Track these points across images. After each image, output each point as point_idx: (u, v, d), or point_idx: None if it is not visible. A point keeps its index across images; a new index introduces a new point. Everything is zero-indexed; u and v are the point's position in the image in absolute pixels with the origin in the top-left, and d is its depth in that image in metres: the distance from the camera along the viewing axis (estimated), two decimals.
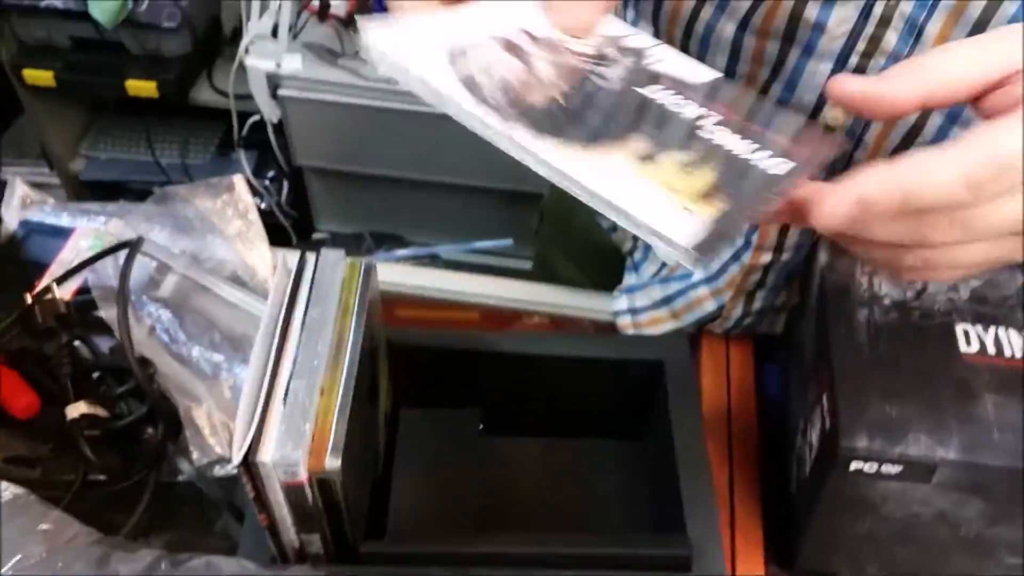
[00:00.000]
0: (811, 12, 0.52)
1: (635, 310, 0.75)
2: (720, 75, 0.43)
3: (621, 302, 0.77)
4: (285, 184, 1.76)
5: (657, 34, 0.62)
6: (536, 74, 0.38)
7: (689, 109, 0.39)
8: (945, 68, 0.37)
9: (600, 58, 0.41)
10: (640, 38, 0.44)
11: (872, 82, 0.37)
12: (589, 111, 0.38)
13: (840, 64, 0.53)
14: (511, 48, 0.39)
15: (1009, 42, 0.37)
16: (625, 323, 0.76)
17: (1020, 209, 0.35)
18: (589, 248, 0.83)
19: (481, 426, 0.61)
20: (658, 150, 0.36)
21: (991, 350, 0.52)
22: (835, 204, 0.35)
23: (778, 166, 0.36)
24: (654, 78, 0.41)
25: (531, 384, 0.60)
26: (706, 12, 0.57)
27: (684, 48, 0.60)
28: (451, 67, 0.37)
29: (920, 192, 0.34)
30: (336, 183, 1.72)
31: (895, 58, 0.51)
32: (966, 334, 0.53)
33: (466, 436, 0.60)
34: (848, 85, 0.38)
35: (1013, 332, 0.53)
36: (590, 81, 0.39)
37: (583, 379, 0.60)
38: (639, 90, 0.40)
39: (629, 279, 0.78)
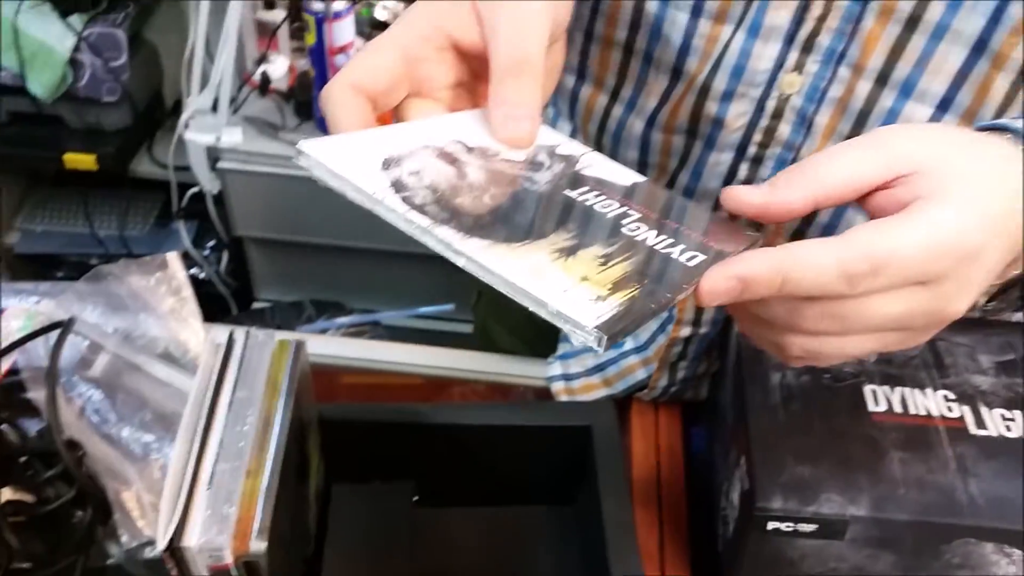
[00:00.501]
0: (711, 109, 0.56)
1: (569, 376, 0.77)
2: (642, 178, 0.45)
3: (555, 368, 0.78)
4: (225, 254, 1.76)
5: (574, 130, 0.66)
6: (467, 179, 0.40)
7: (612, 208, 0.41)
8: (832, 172, 0.39)
9: (532, 164, 0.43)
10: (571, 146, 0.46)
11: (764, 192, 0.39)
12: (517, 212, 0.39)
13: (739, 154, 0.56)
14: (444, 156, 0.41)
15: (892, 145, 0.39)
16: (559, 389, 0.78)
17: (897, 307, 0.36)
18: (526, 320, 0.85)
19: (415, 498, 0.61)
20: (579, 245, 0.38)
21: (897, 409, 0.55)
22: (716, 279, 0.37)
23: (692, 259, 0.38)
24: (581, 181, 0.43)
25: (463, 454, 0.61)
26: (616, 110, 0.61)
27: (598, 142, 0.64)
28: (383, 172, 0.39)
29: (798, 278, 0.36)
30: (276, 252, 1.72)
31: (789, 146, 0.55)
32: (874, 394, 0.56)
33: (400, 509, 0.60)
34: (742, 196, 0.39)
35: (918, 391, 0.56)
36: (519, 185, 0.41)
37: (514, 447, 0.62)
38: (567, 192, 0.42)
39: (563, 347, 0.80)
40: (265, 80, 1.59)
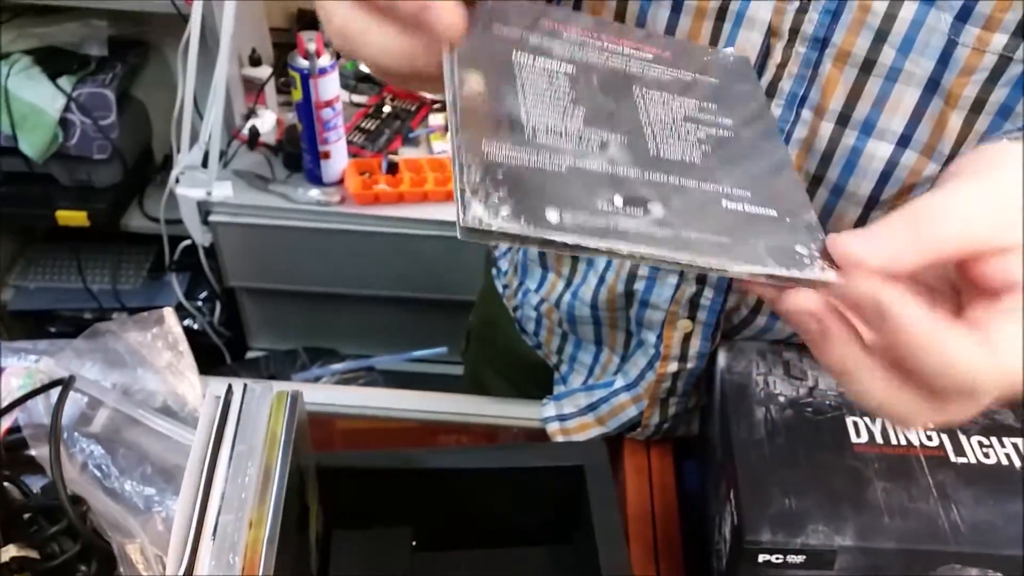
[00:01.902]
0: None
1: (563, 417, 0.79)
2: None
3: (549, 409, 0.80)
4: (218, 304, 1.77)
5: None
6: None
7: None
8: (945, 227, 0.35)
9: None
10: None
11: (867, 247, 0.35)
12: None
13: None
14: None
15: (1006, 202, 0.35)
16: (554, 429, 0.79)
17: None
18: (517, 364, 0.86)
19: (413, 543, 0.62)
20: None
21: (879, 439, 0.57)
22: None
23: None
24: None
25: (460, 498, 0.62)
26: None
27: None
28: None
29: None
30: (269, 301, 1.74)
31: None
32: (856, 425, 0.58)
33: (399, 554, 0.61)
34: (840, 246, 0.36)
35: None
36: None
37: (509, 489, 0.63)
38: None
39: (557, 388, 0.82)
40: (254, 134, 1.62)
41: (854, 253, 0.35)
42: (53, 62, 1.62)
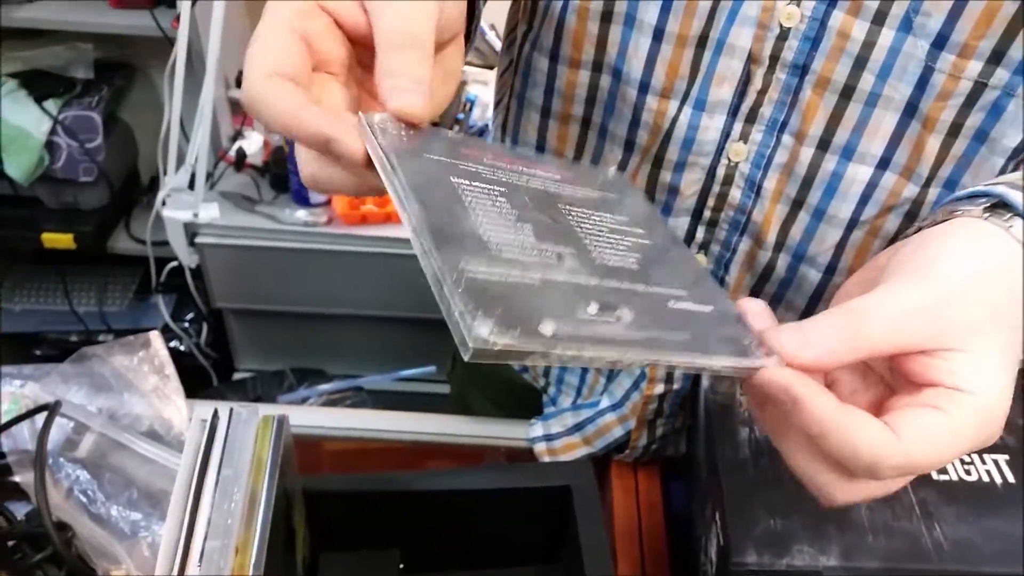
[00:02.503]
0: (665, 178, 0.59)
1: (550, 437, 0.79)
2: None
3: (536, 429, 0.80)
4: (204, 326, 1.77)
5: None
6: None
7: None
8: (876, 332, 0.37)
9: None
10: None
11: (797, 342, 0.37)
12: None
13: (695, 218, 0.60)
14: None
15: (944, 316, 0.37)
16: (541, 450, 0.79)
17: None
18: (503, 387, 0.87)
19: (401, 565, 0.62)
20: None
21: None
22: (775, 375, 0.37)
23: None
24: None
25: (447, 519, 0.62)
26: None
27: None
28: None
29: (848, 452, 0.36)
30: (256, 322, 1.74)
31: (741, 210, 0.58)
32: None
33: None
34: (772, 341, 0.38)
35: None
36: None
37: (496, 510, 0.63)
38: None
39: (547, 409, 0.82)
40: (240, 156, 1.62)
41: (788, 351, 0.37)
42: (39, 85, 1.62)
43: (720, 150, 0.56)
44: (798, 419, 0.36)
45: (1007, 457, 0.58)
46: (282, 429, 0.52)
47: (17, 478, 0.66)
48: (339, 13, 0.40)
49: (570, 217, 0.42)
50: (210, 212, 1.51)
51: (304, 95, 0.38)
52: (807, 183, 0.55)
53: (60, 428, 0.70)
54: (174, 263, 1.62)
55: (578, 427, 0.77)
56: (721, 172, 0.57)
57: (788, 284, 0.61)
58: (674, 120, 0.56)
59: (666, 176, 0.59)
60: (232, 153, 1.63)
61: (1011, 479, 0.56)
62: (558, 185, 0.44)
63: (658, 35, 0.54)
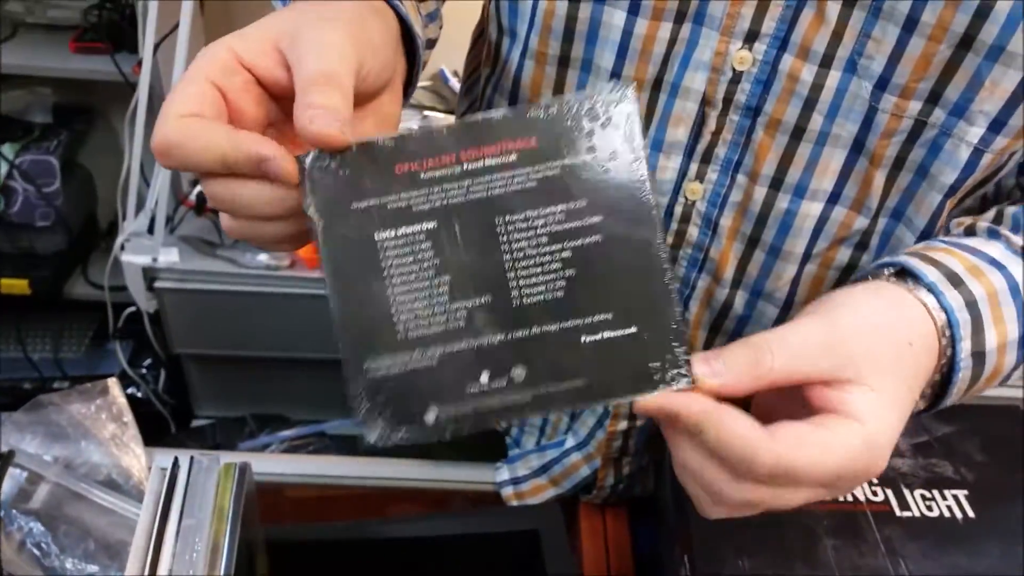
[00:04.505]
0: None
1: (517, 480, 0.78)
2: None
3: (503, 473, 0.80)
4: (162, 372, 1.74)
5: None
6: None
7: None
8: (782, 364, 0.41)
9: None
10: None
11: (708, 371, 0.41)
12: None
13: None
14: None
15: (846, 351, 0.42)
16: (508, 494, 0.79)
17: (810, 496, 0.42)
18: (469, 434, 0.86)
19: None
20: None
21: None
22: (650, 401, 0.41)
23: None
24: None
25: (415, 567, 0.62)
26: None
27: None
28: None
29: (726, 444, 0.39)
30: (215, 368, 1.71)
31: (698, 247, 0.59)
32: None
33: None
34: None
35: None
36: None
37: (464, 556, 0.62)
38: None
39: (511, 451, 0.82)
40: (201, 200, 1.61)
41: (698, 376, 0.40)
42: None
43: (677, 189, 0.57)
44: (681, 423, 0.40)
45: (966, 492, 0.59)
46: (244, 477, 0.51)
47: None
48: (259, 70, 0.40)
49: (504, 235, 0.41)
50: (170, 256, 1.49)
51: (224, 124, 0.38)
52: (761, 221, 0.57)
53: (13, 479, 0.68)
54: (132, 308, 1.60)
55: (544, 468, 0.76)
56: (679, 210, 0.58)
57: (746, 320, 0.61)
58: None
59: None
60: (192, 197, 1.62)
61: (971, 514, 0.57)
62: (509, 177, 0.41)
63: (615, 78, 0.55)
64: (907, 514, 0.56)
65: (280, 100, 0.42)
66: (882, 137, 0.52)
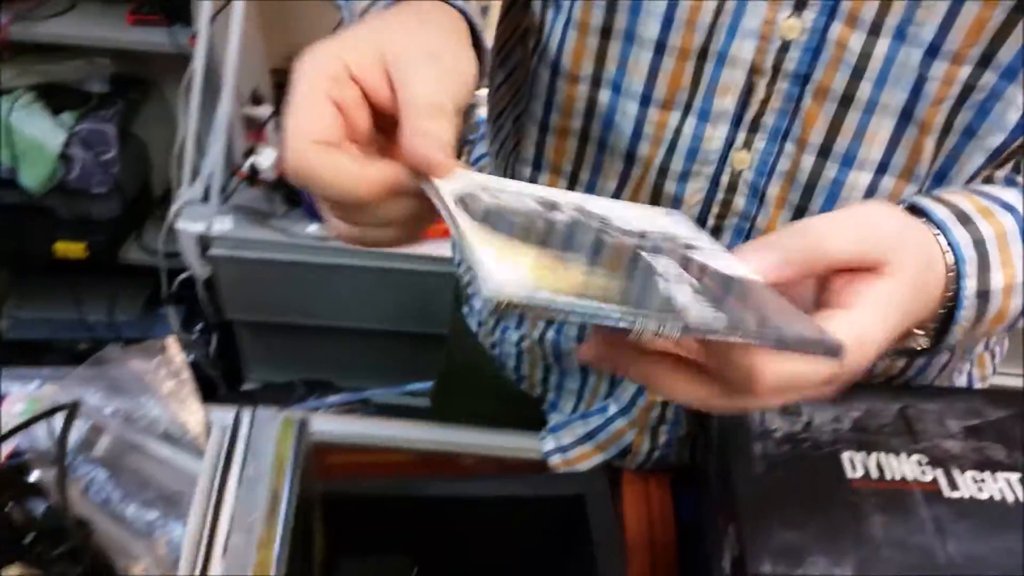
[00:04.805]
0: (669, 188, 0.60)
1: (563, 448, 0.79)
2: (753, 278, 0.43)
3: (548, 443, 0.80)
4: (213, 337, 1.77)
5: None
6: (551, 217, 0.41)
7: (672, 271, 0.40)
8: (823, 249, 0.43)
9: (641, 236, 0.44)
10: (704, 241, 0.47)
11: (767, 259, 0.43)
12: (572, 238, 0.40)
13: (699, 225, 0.60)
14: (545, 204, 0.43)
15: (876, 238, 0.43)
16: (556, 462, 0.80)
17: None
18: (499, 405, 0.87)
19: (415, 571, 0.63)
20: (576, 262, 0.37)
21: (874, 475, 0.57)
22: None
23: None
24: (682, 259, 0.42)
25: (460, 527, 0.63)
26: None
27: None
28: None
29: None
30: (266, 334, 1.74)
31: (745, 216, 0.59)
32: (851, 461, 0.58)
33: None
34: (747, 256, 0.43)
35: (892, 457, 0.59)
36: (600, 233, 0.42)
37: (510, 519, 0.63)
38: (646, 255, 0.41)
39: (552, 419, 0.82)
40: (254, 171, 1.64)
41: (753, 265, 0.42)
42: (56, 98, 1.64)
43: (724, 159, 0.57)
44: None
45: (1019, 476, 0.58)
46: (303, 431, 0.53)
47: (34, 476, 0.66)
48: (369, 84, 0.42)
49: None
50: (224, 224, 1.52)
51: (357, 154, 0.40)
52: (809, 190, 0.57)
53: (77, 428, 0.70)
54: (185, 274, 1.63)
55: (589, 435, 0.77)
56: (725, 180, 0.58)
57: None
58: (677, 131, 0.57)
59: (670, 186, 0.60)
60: (246, 168, 1.64)
61: (1022, 498, 0.57)
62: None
63: (659, 48, 0.55)
64: (957, 494, 0.56)
65: (378, 114, 0.43)
66: (932, 104, 0.52)
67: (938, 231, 0.46)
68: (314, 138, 0.39)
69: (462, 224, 0.36)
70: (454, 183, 0.40)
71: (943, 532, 0.54)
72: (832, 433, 0.60)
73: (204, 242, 1.54)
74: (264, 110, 1.69)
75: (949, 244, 0.46)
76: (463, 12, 0.48)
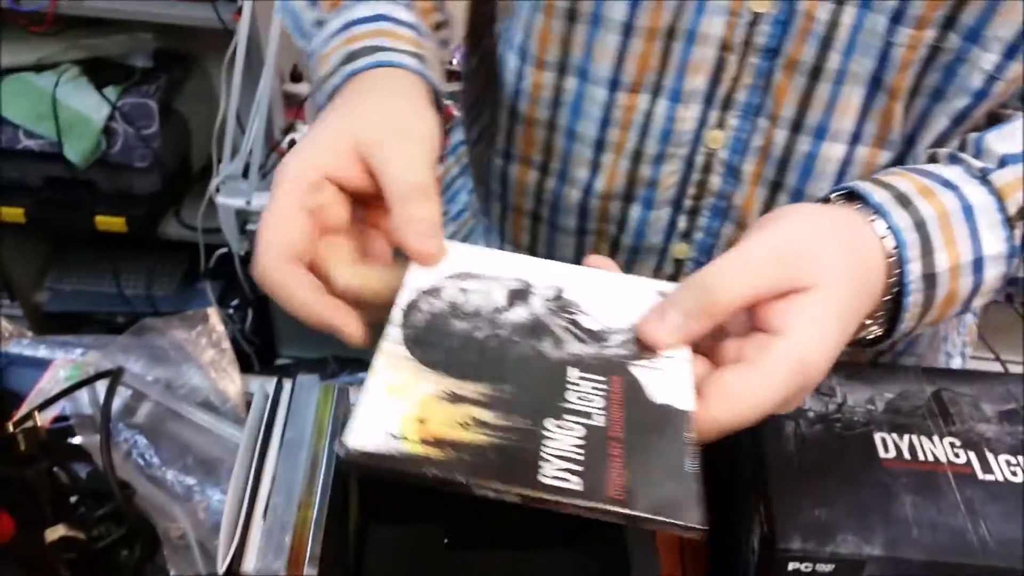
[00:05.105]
0: (643, 172, 0.60)
1: None
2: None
3: None
4: (249, 312, 1.80)
5: (505, 209, 0.69)
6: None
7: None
8: (730, 295, 0.41)
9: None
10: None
11: (669, 327, 0.41)
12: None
13: (676, 208, 0.61)
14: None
15: (794, 263, 0.41)
16: None
17: None
18: None
19: (446, 540, 0.64)
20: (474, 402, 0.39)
21: (907, 455, 0.58)
22: None
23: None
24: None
25: (493, 499, 0.63)
26: (549, 183, 0.65)
27: (535, 215, 0.66)
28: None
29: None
30: None
31: (721, 196, 0.59)
32: (884, 442, 0.59)
33: (432, 553, 0.63)
34: (649, 331, 0.41)
35: (925, 439, 0.59)
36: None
37: None
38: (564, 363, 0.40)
39: None
40: (293, 147, 1.65)
41: (659, 338, 0.40)
42: (100, 72, 1.67)
43: (697, 139, 0.57)
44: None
45: None
46: (343, 399, 0.54)
47: (78, 440, 0.68)
48: (344, 180, 0.43)
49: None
50: (263, 200, 1.54)
51: (314, 283, 0.42)
52: (783, 165, 0.56)
53: (119, 395, 0.72)
54: (223, 250, 1.66)
55: None
56: (700, 160, 0.58)
57: None
58: (648, 114, 0.57)
59: (645, 170, 0.59)
60: (284, 145, 1.66)
61: None
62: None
63: (627, 30, 0.55)
64: (990, 477, 0.56)
65: (361, 199, 0.45)
66: (899, 71, 0.52)
67: (875, 215, 0.45)
68: (282, 251, 0.41)
69: (377, 358, 0.40)
70: (428, 275, 0.42)
71: (975, 514, 0.54)
72: (865, 414, 0.60)
73: (242, 217, 1.56)
74: (304, 87, 1.71)
75: (889, 228, 0.44)
76: (420, 73, 0.49)
